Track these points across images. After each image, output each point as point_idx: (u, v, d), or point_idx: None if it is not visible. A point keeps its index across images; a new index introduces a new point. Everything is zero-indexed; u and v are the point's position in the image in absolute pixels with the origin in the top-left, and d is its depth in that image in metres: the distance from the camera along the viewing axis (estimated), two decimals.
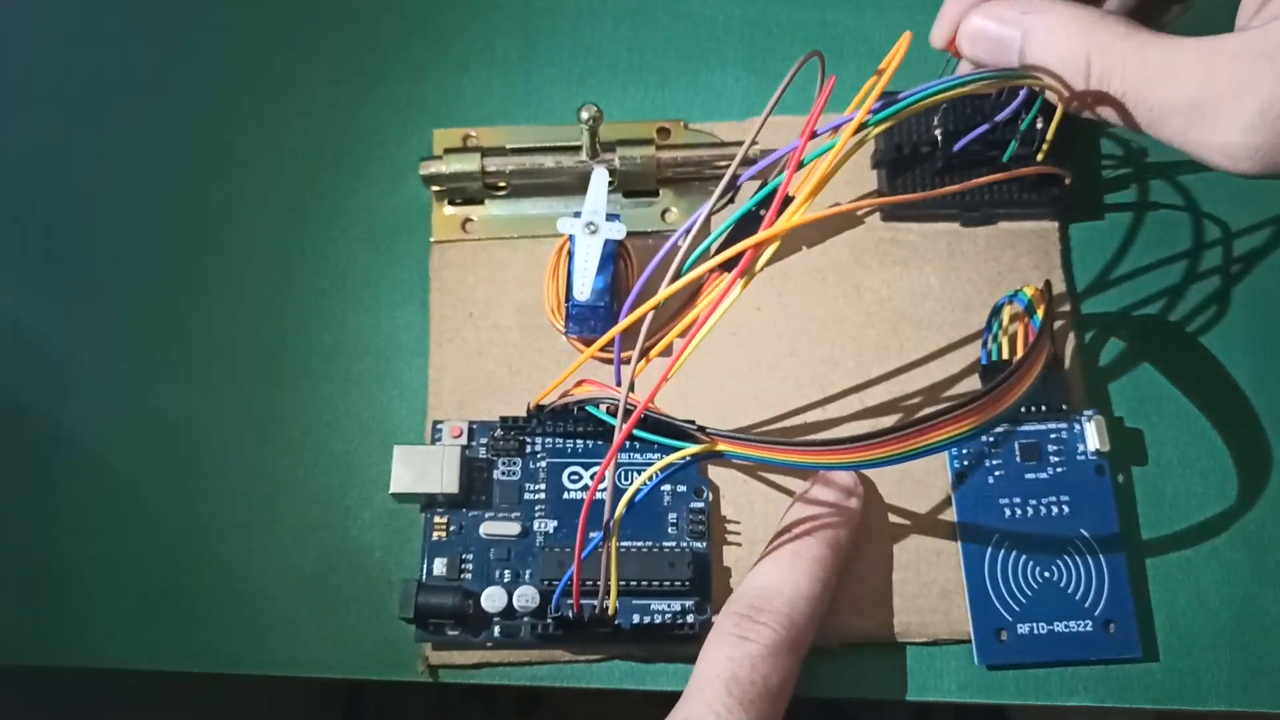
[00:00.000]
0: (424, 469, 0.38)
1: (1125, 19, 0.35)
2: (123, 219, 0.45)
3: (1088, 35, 0.35)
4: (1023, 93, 0.40)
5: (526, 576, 0.38)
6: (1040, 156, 0.41)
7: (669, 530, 0.39)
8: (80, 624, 0.40)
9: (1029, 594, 0.38)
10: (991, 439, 0.40)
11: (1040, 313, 0.39)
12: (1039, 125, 0.40)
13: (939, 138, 0.42)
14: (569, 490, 0.40)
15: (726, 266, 0.34)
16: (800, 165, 0.34)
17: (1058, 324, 0.42)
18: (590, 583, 0.36)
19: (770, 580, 0.36)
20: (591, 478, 0.40)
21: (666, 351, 0.40)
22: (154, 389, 0.43)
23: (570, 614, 0.37)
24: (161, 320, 0.44)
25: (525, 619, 0.38)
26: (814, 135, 0.34)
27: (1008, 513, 0.39)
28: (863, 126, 0.34)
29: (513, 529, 0.39)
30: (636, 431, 0.37)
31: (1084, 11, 0.35)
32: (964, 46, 0.38)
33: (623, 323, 0.35)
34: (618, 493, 0.37)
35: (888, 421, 0.36)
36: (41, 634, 0.40)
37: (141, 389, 0.43)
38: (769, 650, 0.34)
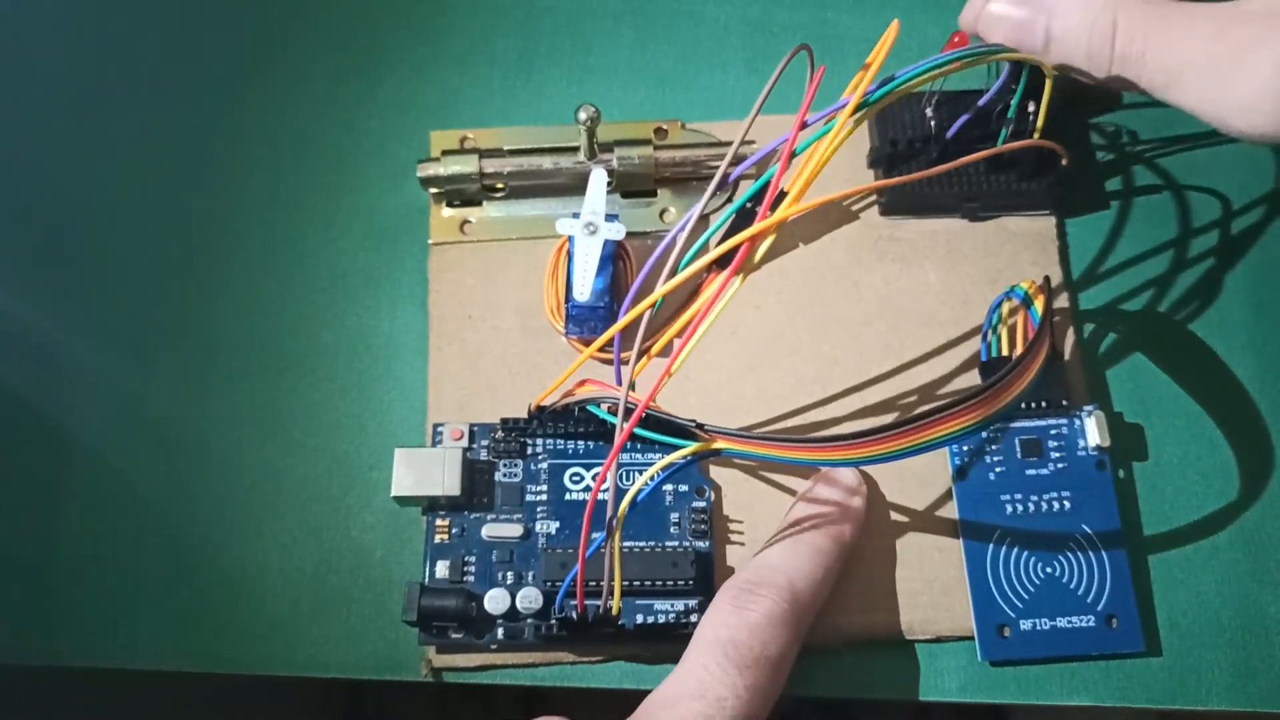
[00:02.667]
0: (425, 472, 0.38)
1: None
2: (123, 219, 0.45)
3: (1112, 2, 0.36)
4: (1004, 74, 0.40)
5: (529, 578, 0.38)
6: (1035, 135, 0.41)
7: (671, 530, 0.39)
8: (80, 624, 0.40)
9: (1031, 590, 0.38)
10: (992, 435, 0.40)
11: (1039, 308, 0.39)
12: (1030, 108, 0.41)
13: (932, 129, 0.42)
14: (570, 491, 0.39)
15: (723, 263, 0.34)
16: (793, 155, 0.34)
17: (1057, 319, 0.42)
18: (593, 583, 0.36)
19: (772, 559, 0.37)
20: (593, 478, 0.40)
21: (666, 350, 0.40)
22: (155, 389, 0.43)
23: (574, 615, 0.37)
24: (162, 320, 0.44)
25: (528, 620, 0.38)
26: (805, 125, 0.35)
27: (1009, 509, 0.39)
28: (859, 107, 0.34)
29: (515, 531, 0.39)
30: (638, 431, 0.37)
31: None
32: (986, 32, 0.39)
33: (620, 322, 0.35)
34: (619, 493, 0.37)
35: (888, 418, 0.36)
36: (41, 634, 0.40)
37: (142, 389, 0.43)
38: (767, 620, 0.34)
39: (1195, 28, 0.35)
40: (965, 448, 0.40)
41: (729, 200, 0.36)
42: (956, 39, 0.40)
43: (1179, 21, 0.35)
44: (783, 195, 0.35)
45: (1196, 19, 0.35)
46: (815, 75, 0.35)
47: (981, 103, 0.42)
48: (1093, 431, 0.40)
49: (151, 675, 0.40)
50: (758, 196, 0.35)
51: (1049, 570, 0.38)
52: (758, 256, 0.37)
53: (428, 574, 0.38)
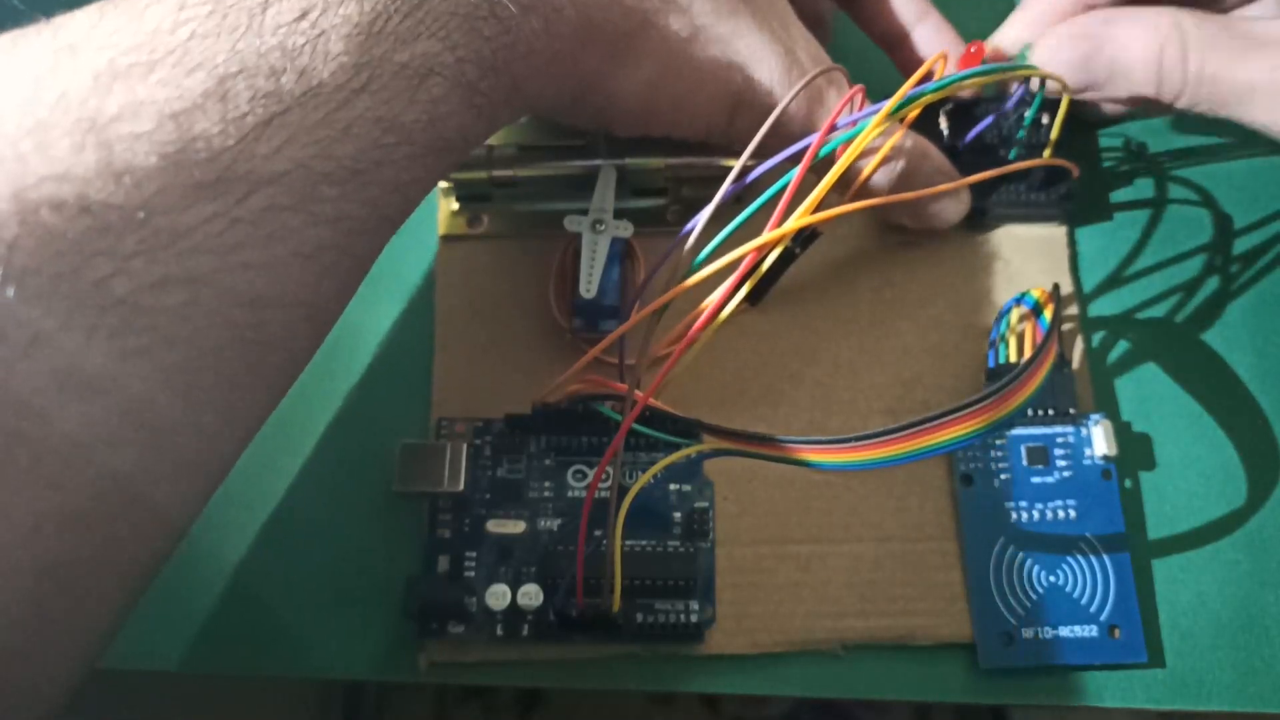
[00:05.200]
0: (428, 467, 0.38)
1: (1200, 11, 0.37)
2: None
3: (1177, 24, 0.37)
4: (1020, 88, 0.41)
5: (530, 574, 0.38)
6: (1047, 152, 0.41)
7: (673, 529, 0.39)
8: None
9: (1034, 598, 0.38)
10: (998, 442, 0.40)
11: (1048, 315, 0.39)
12: (1044, 121, 0.41)
13: (945, 138, 0.43)
14: (573, 488, 0.39)
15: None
16: (816, 158, 0.35)
17: (1065, 327, 0.42)
18: (593, 581, 0.36)
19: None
20: None
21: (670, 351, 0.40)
22: None
23: (573, 613, 0.37)
24: None
25: (528, 618, 0.38)
26: (834, 128, 0.35)
27: (1013, 516, 0.39)
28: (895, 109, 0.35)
29: (517, 527, 0.39)
30: (640, 429, 0.38)
31: (1163, 9, 0.37)
32: (1046, 58, 0.39)
33: (625, 325, 0.36)
34: (621, 491, 0.37)
35: (893, 421, 0.36)
36: None
37: None
38: None
39: (1267, 43, 0.36)
40: (970, 454, 0.40)
41: (741, 202, 0.37)
42: (973, 49, 0.40)
43: (1242, 43, 0.36)
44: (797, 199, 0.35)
45: (1264, 32, 0.36)
46: (851, 90, 0.37)
47: (996, 115, 0.42)
48: (1099, 440, 0.39)
49: (152, 675, 0.40)
50: (774, 200, 0.36)
51: (1052, 579, 0.38)
52: (767, 262, 0.37)
53: (428, 569, 0.38)
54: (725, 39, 0.36)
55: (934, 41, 0.42)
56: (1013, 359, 0.40)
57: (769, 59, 0.37)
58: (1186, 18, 0.37)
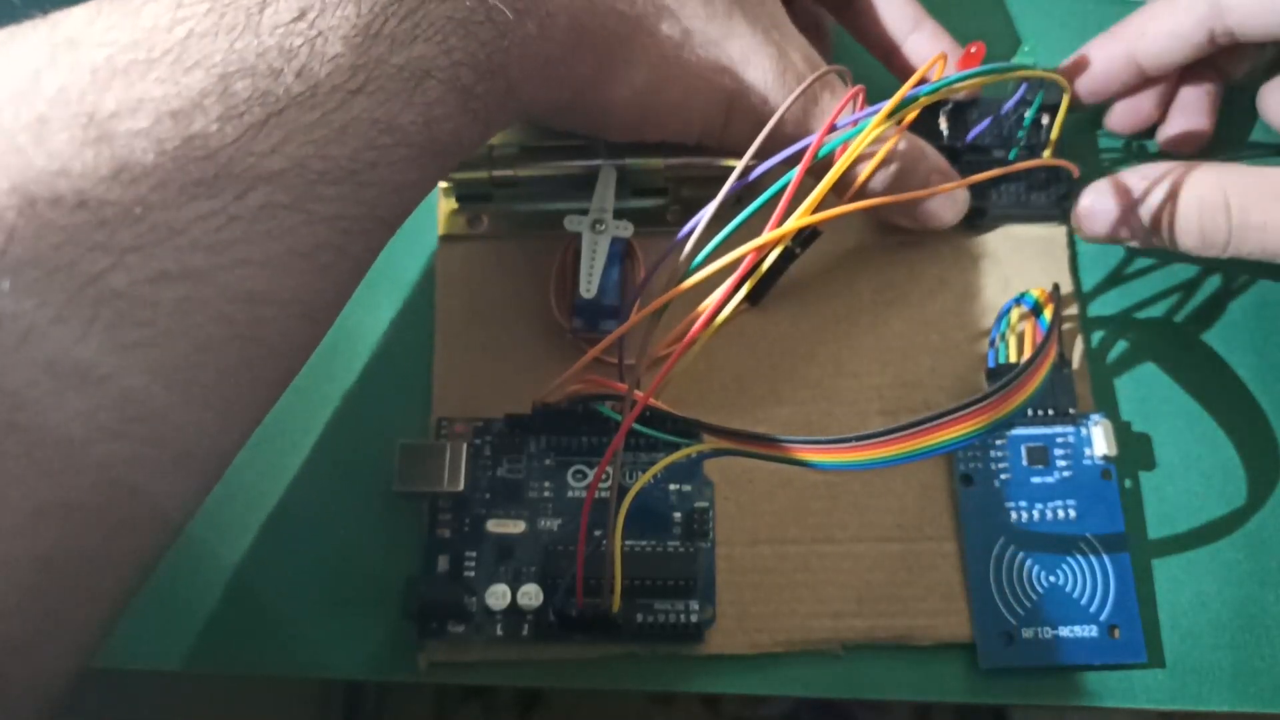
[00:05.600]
0: (428, 467, 0.38)
1: (1242, 165, 0.38)
2: None
3: (1220, 178, 0.38)
4: (1021, 88, 0.41)
5: (530, 574, 0.38)
6: (1047, 152, 0.41)
7: (673, 529, 0.39)
8: None
9: (1034, 598, 0.38)
10: (998, 442, 0.40)
11: (1048, 315, 0.39)
12: (1044, 121, 0.41)
13: (945, 138, 0.43)
14: (573, 488, 0.39)
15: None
16: (816, 158, 0.35)
17: (1065, 327, 0.42)
18: (593, 581, 0.36)
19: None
20: None
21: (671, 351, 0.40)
22: None
23: (573, 612, 0.37)
24: None
25: (528, 617, 0.38)
26: (833, 129, 0.35)
27: (1013, 516, 0.39)
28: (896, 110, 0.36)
29: (517, 527, 0.39)
30: (640, 428, 0.38)
31: (1208, 163, 0.38)
32: (1088, 226, 0.41)
33: (625, 325, 0.36)
34: (621, 491, 0.37)
35: (893, 421, 0.36)
36: None
37: None
38: None
39: None
40: (970, 454, 0.40)
41: (741, 202, 0.37)
42: (973, 49, 0.40)
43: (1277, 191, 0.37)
44: (798, 199, 0.35)
45: None
46: (850, 91, 0.37)
47: (996, 116, 0.42)
48: (1099, 440, 0.39)
49: (151, 675, 0.40)
50: (774, 200, 0.36)
51: (1052, 579, 0.38)
52: (766, 263, 0.37)
53: (428, 569, 0.38)
54: (718, 42, 0.36)
55: (929, 49, 0.42)
56: (1013, 359, 0.40)
57: (762, 61, 0.37)
58: (1228, 175, 0.38)
